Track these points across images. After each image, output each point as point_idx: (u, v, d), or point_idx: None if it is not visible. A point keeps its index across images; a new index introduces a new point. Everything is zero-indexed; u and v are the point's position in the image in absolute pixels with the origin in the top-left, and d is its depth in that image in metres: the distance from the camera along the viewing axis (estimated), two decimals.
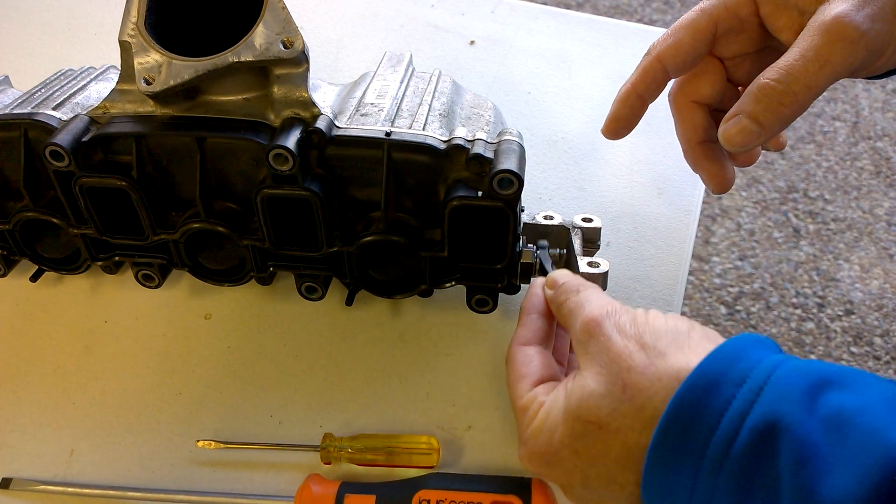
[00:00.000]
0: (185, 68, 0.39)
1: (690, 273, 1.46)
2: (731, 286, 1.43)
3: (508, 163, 0.39)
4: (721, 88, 0.42)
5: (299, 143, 0.40)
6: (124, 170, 0.42)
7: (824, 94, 1.75)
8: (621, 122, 0.43)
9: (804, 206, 1.56)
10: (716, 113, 0.42)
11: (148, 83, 0.39)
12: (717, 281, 1.43)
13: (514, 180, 0.39)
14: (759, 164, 1.65)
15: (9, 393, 0.45)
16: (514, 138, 0.42)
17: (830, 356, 1.36)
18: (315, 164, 0.42)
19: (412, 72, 0.50)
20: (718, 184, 0.42)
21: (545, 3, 0.71)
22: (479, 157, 0.40)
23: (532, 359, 0.36)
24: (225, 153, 0.42)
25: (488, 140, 0.41)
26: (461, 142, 0.40)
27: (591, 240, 0.46)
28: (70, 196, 0.43)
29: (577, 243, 0.45)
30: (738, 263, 1.46)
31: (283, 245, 0.44)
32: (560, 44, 0.67)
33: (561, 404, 0.32)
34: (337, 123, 0.41)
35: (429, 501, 0.37)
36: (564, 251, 0.46)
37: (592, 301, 0.35)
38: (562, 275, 0.39)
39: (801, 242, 1.51)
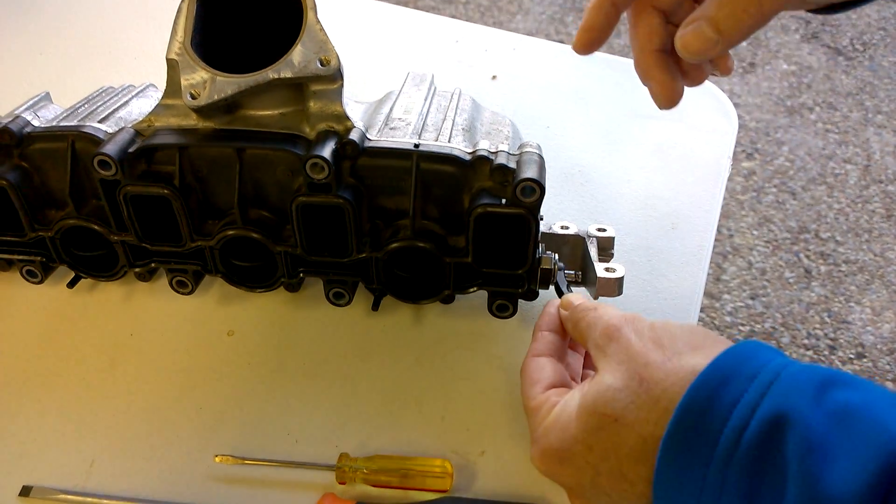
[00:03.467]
0: (229, 84, 0.41)
1: (701, 310, 1.45)
2: (742, 325, 1.42)
3: (530, 172, 0.41)
4: None
5: (334, 153, 0.42)
6: (166, 179, 0.44)
7: (835, 136, 1.75)
8: (595, 31, 0.41)
9: (815, 246, 1.56)
10: (672, 29, 0.40)
11: (193, 97, 0.42)
12: (728, 319, 1.43)
13: (536, 188, 0.41)
14: (770, 204, 1.66)
15: (34, 402, 0.46)
16: (534, 150, 0.44)
17: None
18: (347, 174, 0.44)
19: (434, 90, 0.53)
20: (667, 97, 0.41)
21: (561, 42, 0.73)
22: (503, 168, 0.42)
23: (544, 367, 0.38)
24: (262, 163, 0.44)
25: (510, 152, 0.44)
26: (485, 153, 0.43)
27: (605, 248, 0.48)
28: (113, 204, 0.45)
29: (592, 251, 0.47)
30: (750, 302, 1.46)
31: (315, 251, 0.46)
32: (578, 81, 0.69)
33: (576, 402, 0.33)
34: (368, 136, 0.44)
35: None
36: (580, 273, 0.48)
37: (610, 312, 0.37)
38: (576, 297, 0.41)
39: (813, 283, 1.51)
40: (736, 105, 1.85)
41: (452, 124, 0.47)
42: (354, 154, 0.43)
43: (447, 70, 0.69)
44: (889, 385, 1.36)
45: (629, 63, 0.72)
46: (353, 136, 0.43)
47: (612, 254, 0.49)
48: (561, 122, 0.65)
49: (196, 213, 0.46)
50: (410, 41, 0.73)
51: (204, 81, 0.42)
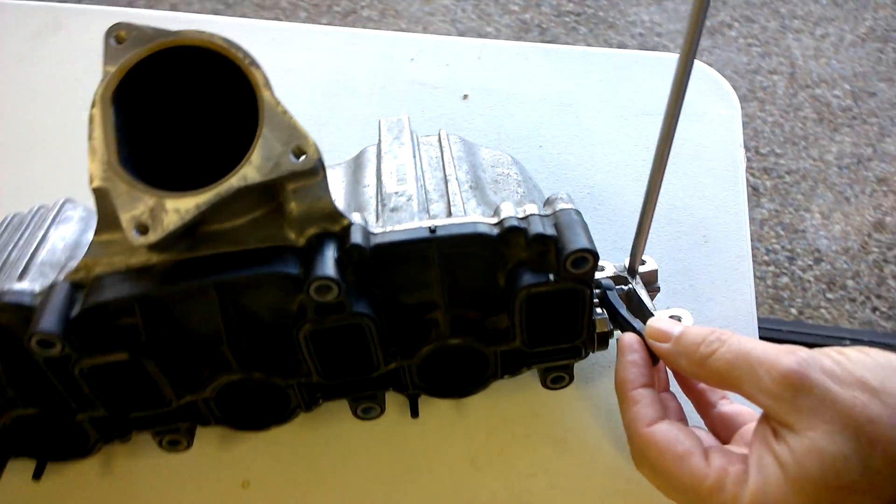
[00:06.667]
0: (184, 207, 0.32)
1: None
2: None
3: (578, 239, 0.35)
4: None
5: (338, 264, 0.34)
6: (129, 335, 0.35)
7: (757, 49, 1.74)
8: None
9: (758, 163, 1.57)
10: None
11: (141, 232, 0.32)
12: None
13: (590, 258, 0.35)
14: None
15: None
16: (567, 206, 0.38)
17: (809, 306, 1.39)
18: (358, 282, 0.36)
19: (417, 138, 0.45)
20: None
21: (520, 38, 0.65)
22: (542, 237, 0.36)
23: (677, 434, 0.33)
24: (247, 289, 0.36)
25: (542, 213, 0.37)
26: (514, 222, 0.36)
27: (650, 282, 0.43)
28: (69, 381, 0.36)
29: (644, 295, 0.41)
30: None
31: (334, 376, 0.38)
32: (558, 84, 0.61)
33: (778, 472, 0.29)
34: (371, 230, 0.36)
35: None
36: (631, 286, 0.42)
37: (763, 349, 0.31)
38: (666, 322, 0.36)
39: (762, 200, 1.53)
40: (656, 35, 1.82)
41: (458, 184, 0.40)
42: (362, 258, 0.35)
43: (409, 96, 0.60)
44: (850, 284, 1.41)
45: (610, 54, 0.65)
46: (356, 237, 0.35)
47: (658, 287, 0.43)
48: (552, 136, 0.57)
49: (177, 363, 0.37)
50: (358, 71, 0.62)
51: (150, 209, 0.32)
